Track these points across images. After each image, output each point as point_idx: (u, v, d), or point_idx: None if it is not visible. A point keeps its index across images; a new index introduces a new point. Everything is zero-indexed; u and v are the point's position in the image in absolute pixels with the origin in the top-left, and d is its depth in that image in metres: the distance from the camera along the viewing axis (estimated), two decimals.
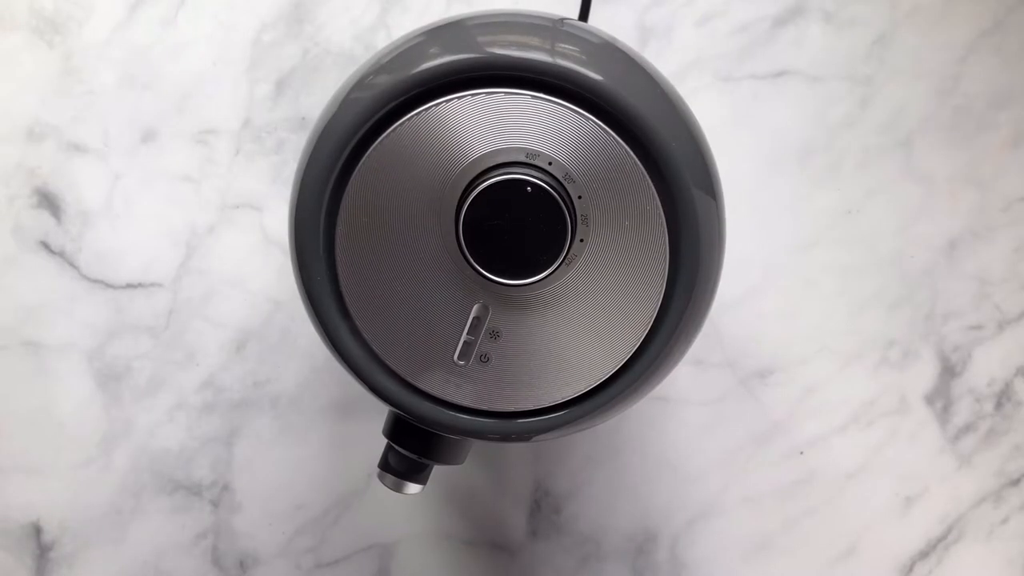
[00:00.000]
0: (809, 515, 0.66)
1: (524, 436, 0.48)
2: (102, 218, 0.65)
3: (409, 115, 0.44)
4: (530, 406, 0.47)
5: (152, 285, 0.66)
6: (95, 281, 0.66)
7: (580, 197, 0.43)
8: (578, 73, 0.43)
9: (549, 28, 0.46)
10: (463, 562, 0.68)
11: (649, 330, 0.45)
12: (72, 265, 0.65)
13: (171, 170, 0.65)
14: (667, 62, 0.64)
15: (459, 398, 0.47)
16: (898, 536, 0.66)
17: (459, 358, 0.46)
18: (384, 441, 0.50)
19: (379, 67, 0.45)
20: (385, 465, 0.51)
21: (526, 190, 0.43)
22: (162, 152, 0.65)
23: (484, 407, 0.47)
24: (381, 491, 0.68)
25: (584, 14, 0.64)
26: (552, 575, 0.67)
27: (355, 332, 0.46)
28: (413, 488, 0.51)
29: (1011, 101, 0.64)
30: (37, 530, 0.67)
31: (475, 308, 0.46)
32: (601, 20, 0.64)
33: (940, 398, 0.65)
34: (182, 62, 0.65)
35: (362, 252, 0.45)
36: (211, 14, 0.65)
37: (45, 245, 0.65)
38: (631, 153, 0.43)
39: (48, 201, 0.65)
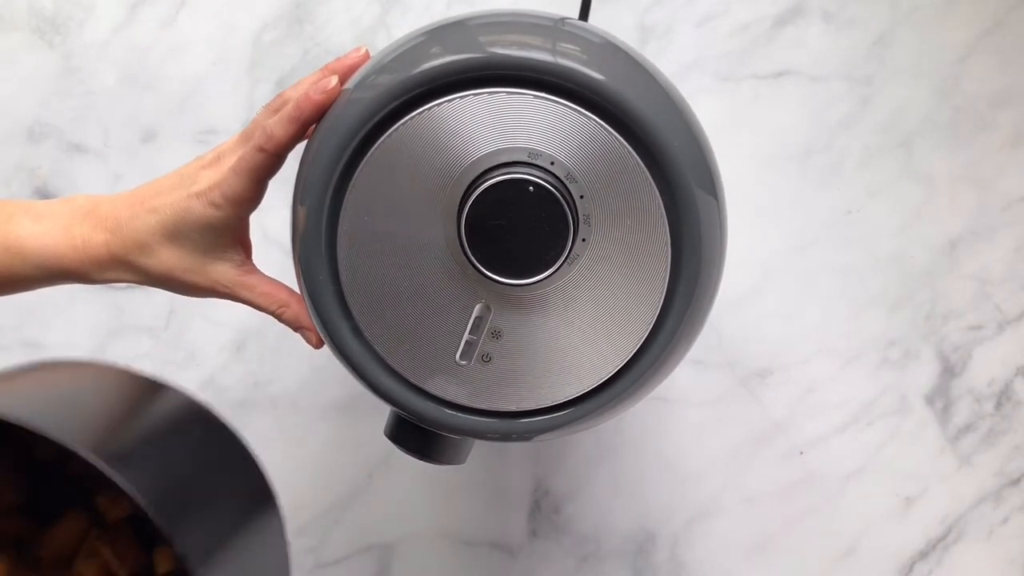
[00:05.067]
0: (809, 515, 0.66)
1: (525, 436, 0.48)
2: None
3: (411, 115, 0.43)
4: (531, 406, 0.47)
5: None
6: None
7: (582, 197, 0.43)
8: (580, 72, 0.43)
9: (550, 28, 0.46)
10: (463, 562, 0.68)
11: (651, 330, 0.45)
12: None
13: (171, 170, 0.65)
14: (667, 62, 0.65)
15: (460, 398, 0.47)
16: (898, 536, 0.66)
17: (461, 358, 0.46)
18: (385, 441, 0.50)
19: (381, 67, 0.45)
20: None
21: (528, 190, 0.43)
22: (162, 152, 0.65)
23: (485, 407, 0.47)
24: (381, 491, 0.68)
25: (584, 14, 0.64)
26: (552, 575, 0.67)
27: (357, 332, 0.46)
28: None
29: (1011, 101, 0.64)
30: None
31: (477, 308, 0.45)
32: (601, 20, 0.64)
33: (940, 398, 0.65)
34: (182, 62, 0.65)
35: (364, 252, 0.45)
36: (211, 14, 0.65)
37: None
38: (633, 153, 0.43)
39: None
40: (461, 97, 0.43)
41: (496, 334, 0.46)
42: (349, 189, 0.44)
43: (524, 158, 0.44)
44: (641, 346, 0.46)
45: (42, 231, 0.45)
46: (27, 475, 0.45)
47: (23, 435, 0.41)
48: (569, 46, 0.45)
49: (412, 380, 0.46)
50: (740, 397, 0.66)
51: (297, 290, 0.47)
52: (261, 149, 0.44)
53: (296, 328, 0.47)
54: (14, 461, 0.45)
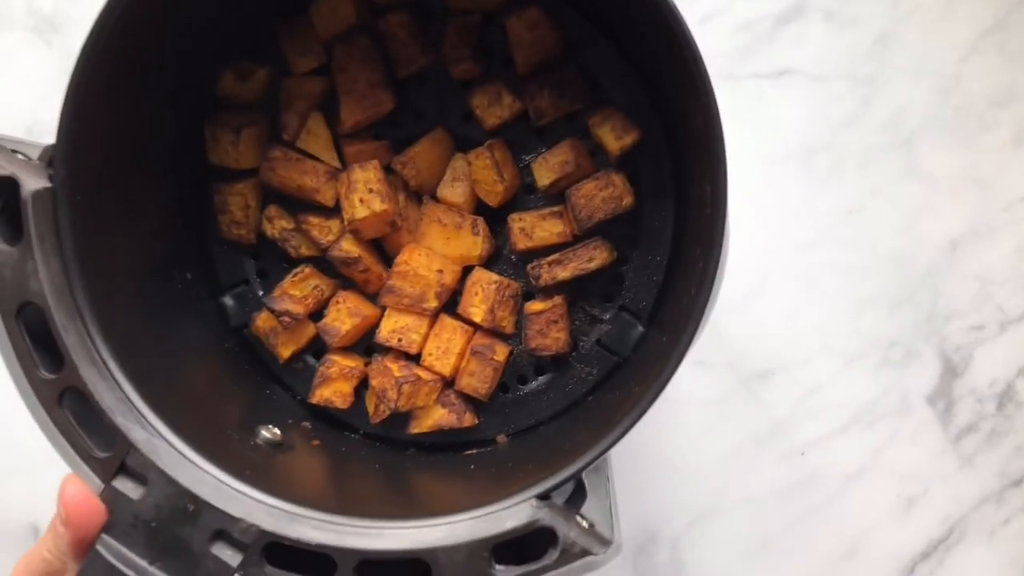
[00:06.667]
0: (810, 515, 0.66)
1: None
2: None
3: None
4: None
5: None
6: None
7: None
8: None
9: None
10: None
11: None
12: None
13: None
14: None
15: None
16: (899, 537, 0.66)
17: None
18: None
19: None
20: None
21: None
22: None
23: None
24: None
25: None
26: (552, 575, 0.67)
27: None
28: None
29: (1013, 100, 0.64)
30: (36, 530, 0.67)
31: None
32: None
33: (942, 398, 0.65)
34: None
35: None
36: None
37: None
38: None
39: None
40: None
41: None
42: None
43: None
44: None
45: None
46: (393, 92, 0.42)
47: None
48: None
49: None
50: (741, 397, 0.65)
51: None
52: None
53: None
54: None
